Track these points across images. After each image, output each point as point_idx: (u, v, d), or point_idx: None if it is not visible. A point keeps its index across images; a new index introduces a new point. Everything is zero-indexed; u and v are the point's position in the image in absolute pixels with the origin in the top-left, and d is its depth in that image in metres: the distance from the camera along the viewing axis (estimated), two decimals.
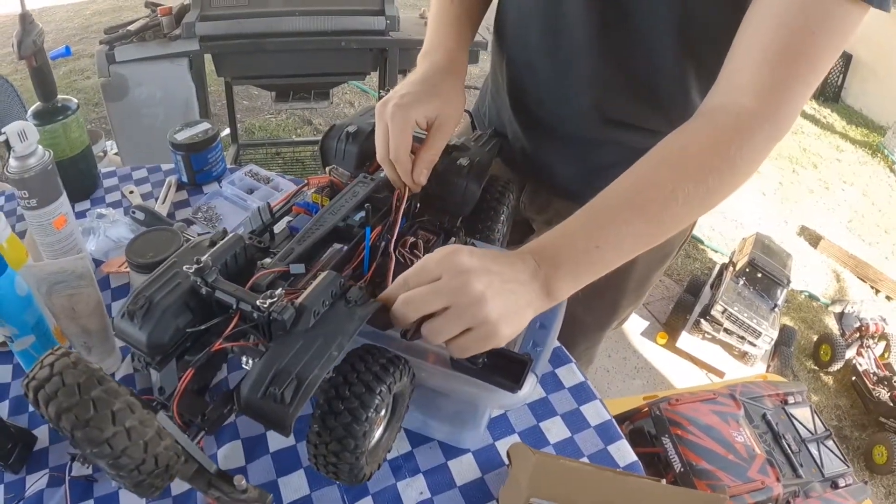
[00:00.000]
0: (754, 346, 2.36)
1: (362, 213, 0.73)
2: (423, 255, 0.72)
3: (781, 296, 2.48)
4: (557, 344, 0.91)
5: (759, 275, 2.47)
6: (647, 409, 1.26)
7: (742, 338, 2.38)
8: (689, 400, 1.24)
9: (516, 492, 0.64)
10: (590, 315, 1.06)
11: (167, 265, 0.60)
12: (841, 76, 4.62)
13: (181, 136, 1.19)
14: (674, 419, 1.21)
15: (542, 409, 0.82)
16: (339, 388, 0.55)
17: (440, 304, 0.54)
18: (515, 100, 0.93)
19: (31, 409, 0.84)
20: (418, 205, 0.80)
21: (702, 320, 2.43)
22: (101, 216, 1.09)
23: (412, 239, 0.73)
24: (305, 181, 0.79)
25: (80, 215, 1.16)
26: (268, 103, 3.71)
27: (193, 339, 0.58)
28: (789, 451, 1.34)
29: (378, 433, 0.65)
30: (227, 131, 3.00)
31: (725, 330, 2.39)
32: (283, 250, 0.64)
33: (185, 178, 1.23)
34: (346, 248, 0.69)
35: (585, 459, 0.77)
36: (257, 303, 0.54)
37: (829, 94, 4.66)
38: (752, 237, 2.66)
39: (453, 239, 0.78)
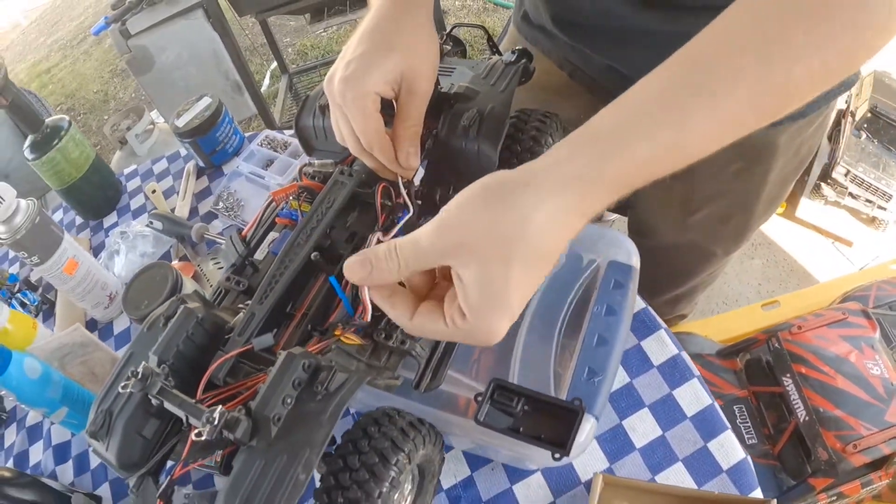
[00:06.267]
0: (884, 209, 2.04)
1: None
2: None
3: None
4: (642, 305, 0.75)
5: (883, 123, 2.09)
6: (764, 339, 1.06)
7: (870, 201, 2.06)
8: (815, 325, 1.02)
9: None
10: (718, 245, 0.94)
11: (124, 360, 0.51)
12: None
13: (182, 122, 1.09)
14: (796, 353, 1.00)
15: (625, 401, 0.69)
16: (347, 457, 0.45)
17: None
18: None
19: (93, 466, 0.83)
20: (419, 195, 0.63)
21: (822, 184, 2.11)
22: (123, 235, 1.03)
23: None
24: (269, 197, 0.65)
25: (112, 229, 1.12)
26: None
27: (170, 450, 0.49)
28: None
29: None
30: (274, 65, 2.91)
31: (850, 195, 2.08)
32: (244, 314, 0.52)
33: (201, 164, 1.15)
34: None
35: (679, 464, 0.64)
36: (202, 423, 0.42)
37: None
38: (870, 77, 2.22)
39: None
